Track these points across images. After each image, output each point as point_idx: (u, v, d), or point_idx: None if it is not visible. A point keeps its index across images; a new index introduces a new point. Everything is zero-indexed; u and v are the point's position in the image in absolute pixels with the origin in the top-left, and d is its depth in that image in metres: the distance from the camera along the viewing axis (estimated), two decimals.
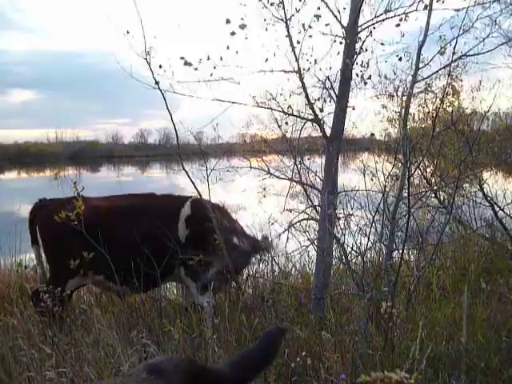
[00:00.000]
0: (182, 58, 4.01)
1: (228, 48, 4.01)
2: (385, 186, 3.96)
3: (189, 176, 4.42)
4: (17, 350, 3.15)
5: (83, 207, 4.03)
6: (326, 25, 4.10)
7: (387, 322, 3.04)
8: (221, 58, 4.01)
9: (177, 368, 0.81)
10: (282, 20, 4.06)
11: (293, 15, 4.04)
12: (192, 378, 0.83)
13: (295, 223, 4.77)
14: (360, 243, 4.54)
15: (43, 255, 4.33)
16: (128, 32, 3.89)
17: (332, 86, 4.15)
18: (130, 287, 4.18)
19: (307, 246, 4.90)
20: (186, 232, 4.33)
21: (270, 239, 4.70)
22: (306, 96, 4.21)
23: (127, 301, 4.44)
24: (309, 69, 4.21)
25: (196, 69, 4.06)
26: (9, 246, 6.36)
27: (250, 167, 5.00)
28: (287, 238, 4.94)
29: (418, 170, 4.85)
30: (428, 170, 6.17)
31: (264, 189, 5.45)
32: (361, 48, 4.13)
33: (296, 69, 4.15)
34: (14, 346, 3.20)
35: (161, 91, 4.14)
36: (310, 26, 4.04)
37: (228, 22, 3.91)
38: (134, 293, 4.34)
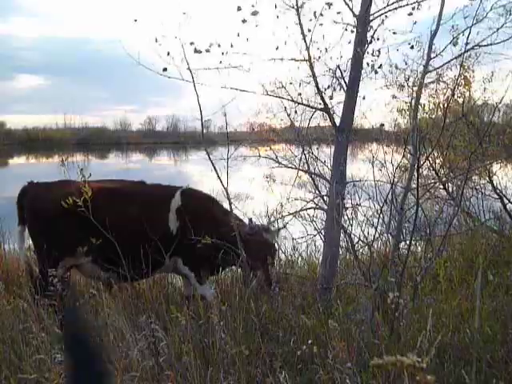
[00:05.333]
0: (192, 43, 3.98)
1: (238, 35, 3.98)
2: (393, 177, 3.95)
3: (214, 167, 4.38)
4: (27, 333, 3.20)
5: (71, 190, 3.99)
6: (338, 13, 4.06)
7: (393, 312, 3.05)
8: (231, 45, 3.98)
9: None
10: (293, 7, 4.02)
11: (304, 3, 4.01)
12: None
13: (299, 211, 4.76)
14: (367, 234, 4.54)
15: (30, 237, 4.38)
16: (136, 20, 3.88)
17: (342, 75, 4.11)
18: (115, 275, 4.11)
19: (314, 235, 4.91)
20: (177, 224, 4.27)
21: (274, 229, 4.69)
22: (316, 85, 4.18)
23: (134, 286, 4.45)
24: (319, 57, 4.17)
25: (199, 52, 4.01)
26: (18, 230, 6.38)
27: (259, 156, 4.99)
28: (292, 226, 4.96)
29: (427, 161, 4.80)
30: (437, 161, 6.11)
31: (269, 176, 5.45)
32: (372, 37, 4.08)
33: (306, 57, 4.12)
34: (25, 329, 3.25)
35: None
36: (321, 14, 4.00)
37: (239, 9, 3.88)
38: (119, 281, 4.24)
